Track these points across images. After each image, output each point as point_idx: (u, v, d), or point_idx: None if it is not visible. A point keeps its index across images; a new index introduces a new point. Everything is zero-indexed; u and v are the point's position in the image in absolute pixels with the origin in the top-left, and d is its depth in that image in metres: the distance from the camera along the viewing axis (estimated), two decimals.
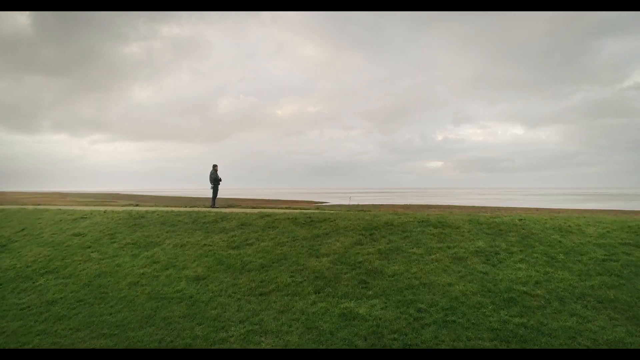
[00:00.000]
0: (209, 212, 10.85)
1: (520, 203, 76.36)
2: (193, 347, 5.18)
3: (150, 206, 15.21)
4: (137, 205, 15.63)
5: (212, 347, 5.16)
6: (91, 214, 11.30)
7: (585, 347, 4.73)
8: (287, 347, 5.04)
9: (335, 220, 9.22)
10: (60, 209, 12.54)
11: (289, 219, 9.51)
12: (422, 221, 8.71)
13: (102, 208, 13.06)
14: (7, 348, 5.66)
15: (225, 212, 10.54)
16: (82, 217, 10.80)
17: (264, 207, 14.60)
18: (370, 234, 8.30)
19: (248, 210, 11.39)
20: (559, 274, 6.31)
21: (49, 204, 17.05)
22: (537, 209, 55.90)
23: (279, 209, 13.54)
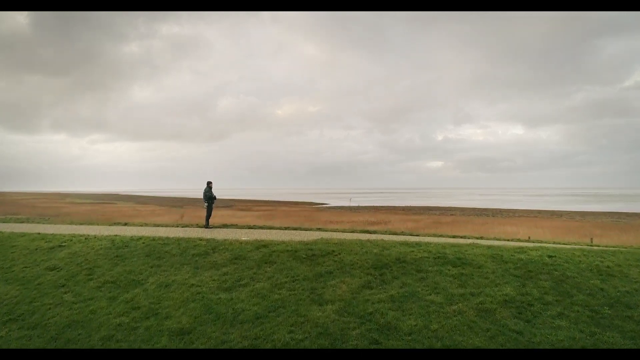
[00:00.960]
0: (200, 239, 9.86)
1: (521, 205, 75.61)
2: None
3: (140, 225, 14.20)
4: (125, 224, 14.61)
5: None
6: (71, 240, 10.29)
7: None
8: None
9: (340, 253, 8.24)
10: (39, 234, 11.52)
11: (288, 251, 8.52)
12: (439, 257, 7.71)
13: (84, 232, 12.04)
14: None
15: (217, 241, 9.54)
16: (60, 246, 9.79)
17: (262, 227, 13.63)
18: (380, 274, 7.31)
19: (244, 236, 10.40)
20: (608, 336, 5.32)
21: (30, 222, 16.00)
22: (539, 211, 55.12)
23: (278, 229, 12.57)
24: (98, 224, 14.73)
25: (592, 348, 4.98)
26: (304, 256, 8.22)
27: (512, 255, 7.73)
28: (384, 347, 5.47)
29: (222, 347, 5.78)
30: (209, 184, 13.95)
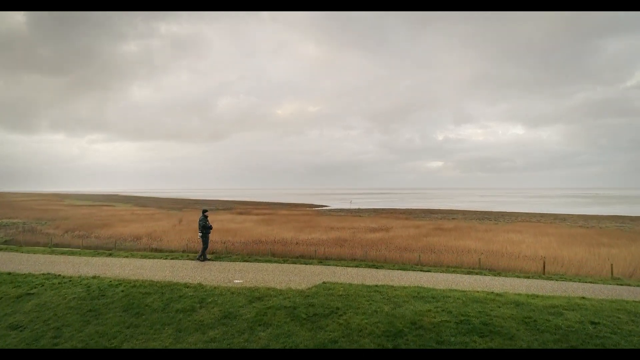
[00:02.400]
0: (187, 286, 8.77)
1: (523, 207, 74.64)
2: None
3: (124, 256, 13.09)
4: (110, 254, 13.48)
5: None
6: (42, 285, 9.18)
7: None
8: None
9: (345, 313, 7.14)
10: (9, 274, 10.38)
11: (285, 307, 7.42)
12: (461, 322, 6.61)
13: (61, 268, 10.94)
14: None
15: (206, 290, 8.45)
16: (28, 293, 8.68)
17: (257, 260, 12.54)
18: (395, 346, 6.21)
19: (237, 276, 9.31)
20: None
21: (7, 250, 14.83)
22: (541, 215, 54.08)
23: (275, 263, 11.47)
24: (80, 254, 13.61)
25: (591, 348, 5.27)
26: (303, 316, 7.12)
27: (546, 319, 6.62)
28: None
29: None
30: (205, 212, 12.80)
